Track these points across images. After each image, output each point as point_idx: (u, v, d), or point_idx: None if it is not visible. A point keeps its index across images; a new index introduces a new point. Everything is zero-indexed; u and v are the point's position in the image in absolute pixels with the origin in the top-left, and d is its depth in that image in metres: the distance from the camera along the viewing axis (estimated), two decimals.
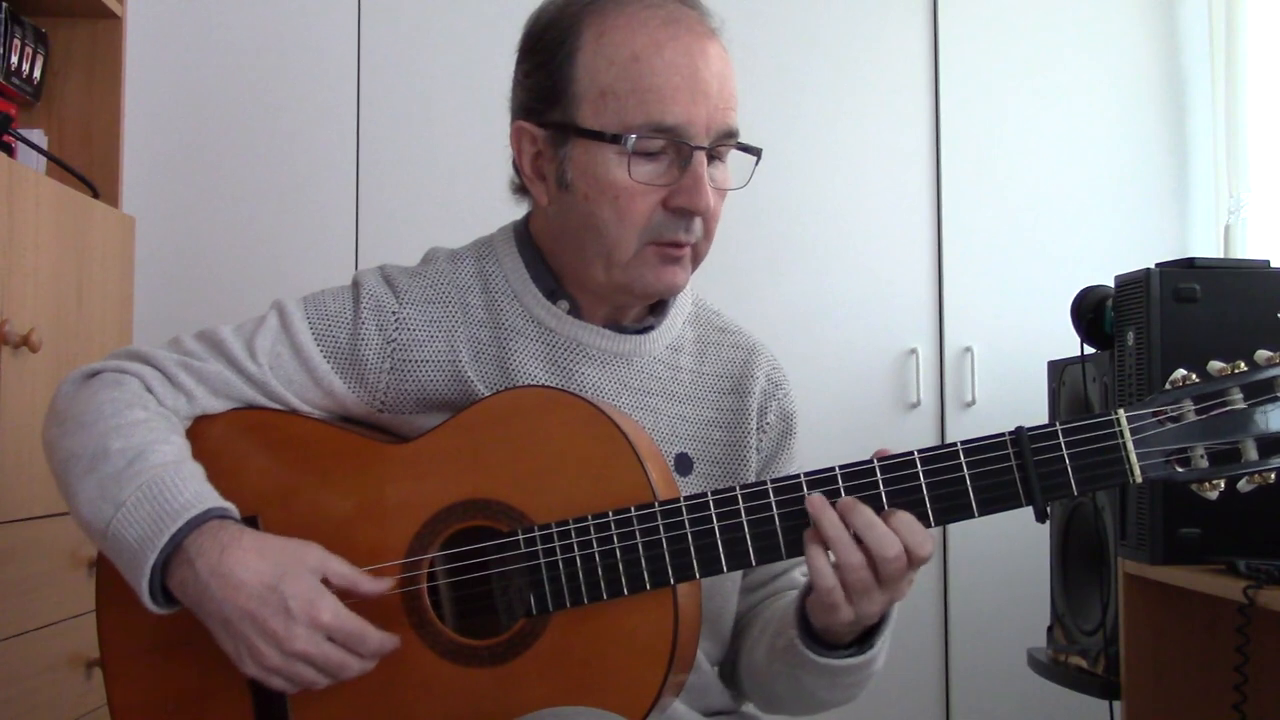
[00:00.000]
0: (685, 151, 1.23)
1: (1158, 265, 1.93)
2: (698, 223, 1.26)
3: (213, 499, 1.20)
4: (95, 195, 2.35)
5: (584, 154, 1.25)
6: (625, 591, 1.16)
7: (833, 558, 1.12)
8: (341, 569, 1.20)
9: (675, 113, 1.22)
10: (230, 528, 1.19)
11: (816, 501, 1.13)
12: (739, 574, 1.36)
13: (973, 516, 1.13)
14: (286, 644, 1.15)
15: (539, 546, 1.18)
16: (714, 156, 1.27)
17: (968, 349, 2.79)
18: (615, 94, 1.23)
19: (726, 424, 1.37)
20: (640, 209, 1.24)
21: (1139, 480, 1.10)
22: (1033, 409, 2.44)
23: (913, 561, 1.12)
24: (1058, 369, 2.37)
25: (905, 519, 1.12)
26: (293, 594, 1.15)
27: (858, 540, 1.11)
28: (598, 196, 1.25)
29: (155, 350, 1.32)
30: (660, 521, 1.16)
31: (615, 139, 1.23)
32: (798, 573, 1.37)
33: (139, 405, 1.26)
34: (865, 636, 1.21)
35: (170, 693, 1.27)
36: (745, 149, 1.29)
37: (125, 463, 1.20)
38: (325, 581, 1.19)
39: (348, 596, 1.19)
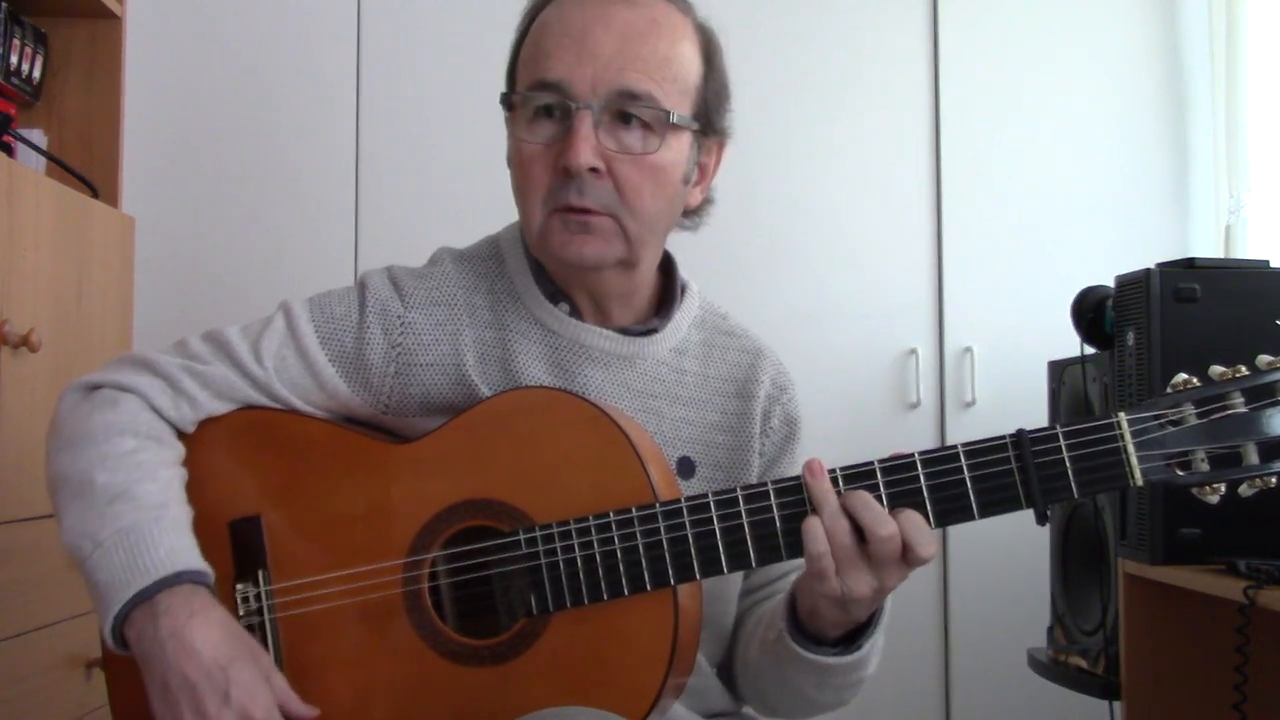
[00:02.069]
0: (568, 110, 1.24)
1: (1158, 265, 1.93)
2: (597, 187, 1.24)
3: (187, 558, 1.20)
4: (95, 195, 2.35)
5: (508, 127, 1.30)
6: (626, 592, 1.16)
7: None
8: (281, 685, 1.19)
9: (554, 69, 1.24)
10: (202, 595, 1.19)
11: (814, 467, 1.14)
12: (741, 578, 1.37)
13: (973, 519, 1.13)
14: None
15: (540, 547, 1.18)
16: (623, 121, 1.25)
17: (968, 349, 2.79)
18: (523, 62, 1.29)
19: (730, 427, 1.37)
20: (537, 174, 1.26)
21: (1139, 483, 1.10)
22: (1033, 409, 2.44)
23: (909, 557, 1.12)
24: (1058, 369, 2.37)
25: (911, 515, 1.12)
26: (237, 681, 1.15)
27: (851, 518, 1.12)
28: (513, 166, 1.30)
29: (160, 356, 1.31)
30: (661, 523, 1.16)
31: (510, 103, 1.28)
32: (797, 575, 1.37)
33: (130, 431, 1.25)
34: (854, 637, 1.21)
35: None
36: (639, 110, 1.24)
37: (107, 500, 1.20)
38: None
39: (302, 677, 1.20)
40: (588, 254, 1.26)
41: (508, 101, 1.29)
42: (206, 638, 1.16)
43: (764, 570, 1.36)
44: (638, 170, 1.25)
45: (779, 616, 1.22)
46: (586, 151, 1.22)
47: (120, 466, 1.22)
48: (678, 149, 1.28)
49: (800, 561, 1.16)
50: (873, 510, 1.12)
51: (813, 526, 1.13)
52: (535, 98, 1.25)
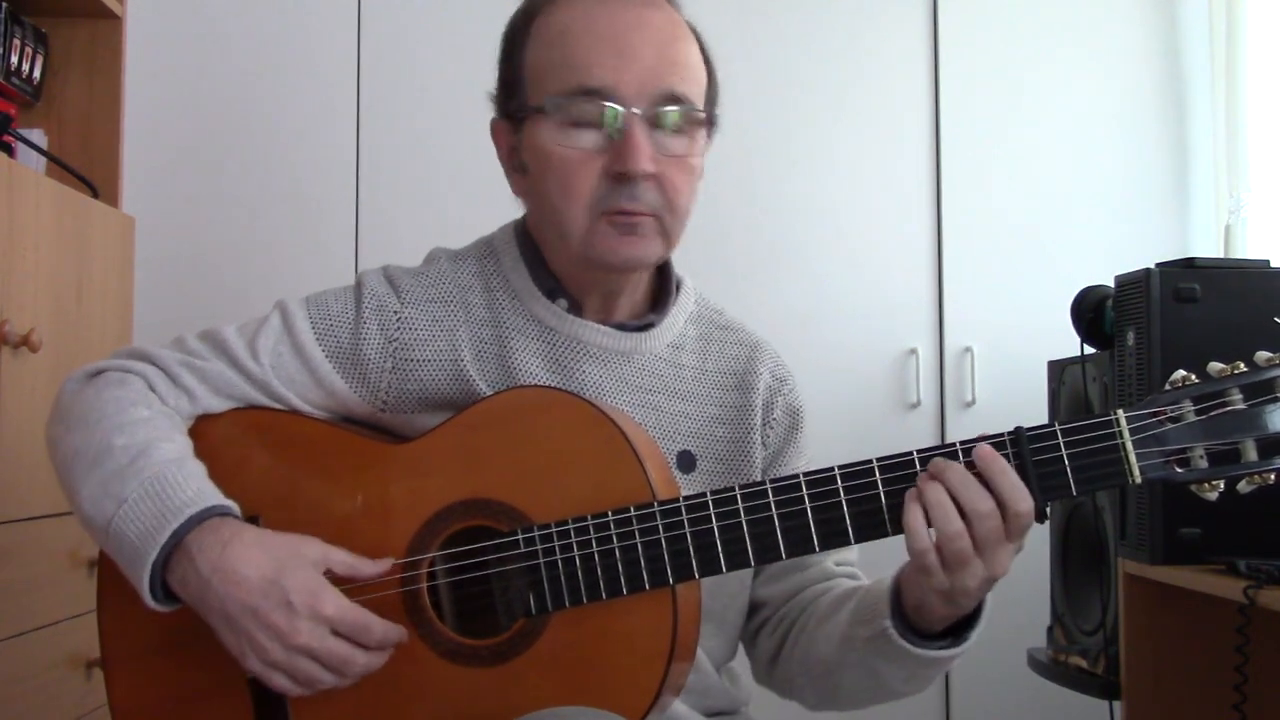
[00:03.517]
0: (615, 116, 1.24)
1: (1158, 265, 1.93)
2: (647, 189, 1.26)
3: (214, 496, 1.20)
4: (95, 195, 2.35)
5: (530, 134, 1.29)
6: (624, 591, 1.16)
7: (933, 535, 1.10)
8: (344, 558, 1.20)
9: (599, 76, 1.24)
10: (231, 524, 1.19)
11: (935, 467, 1.11)
12: (748, 571, 1.36)
13: None
14: (289, 638, 1.14)
15: (538, 546, 1.18)
16: (662, 125, 1.26)
17: (968, 349, 2.79)
18: (549, 68, 1.27)
19: (730, 420, 1.37)
20: (582, 179, 1.25)
21: (1138, 481, 1.10)
22: (1033, 409, 2.44)
23: (1009, 520, 1.09)
24: (1058, 369, 2.37)
25: (1000, 474, 1.09)
26: (294, 588, 1.15)
27: (954, 501, 1.10)
28: (543, 171, 1.28)
29: (158, 349, 1.32)
30: (659, 521, 1.16)
31: (542, 109, 1.26)
32: (829, 562, 1.37)
33: (142, 403, 1.26)
34: (958, 629, 1.20)
35: (170, 693, 1.27)
36: (688, 112, 1.27)
37: (128, 460, 1.20)
38: (328, 573, 1.19)
39: (352, 583, 1.19)
40: (638, 254, 1.28)
41: (533, 109, 1.28)
42: (248, 560, 1.16)
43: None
44: (680, 171, 1.27)
45: (879, 614, 1.20)
46: (646, 157, 1.24)
47: (138, 431, 1.23)
48: (702, 147, 1.31)
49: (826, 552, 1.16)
50: (971, 490, 1.09)
51: (916, 519, 1.10)
52: (576, 104, 1.25)
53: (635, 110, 1.24)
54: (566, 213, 1.27)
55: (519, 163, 1.33)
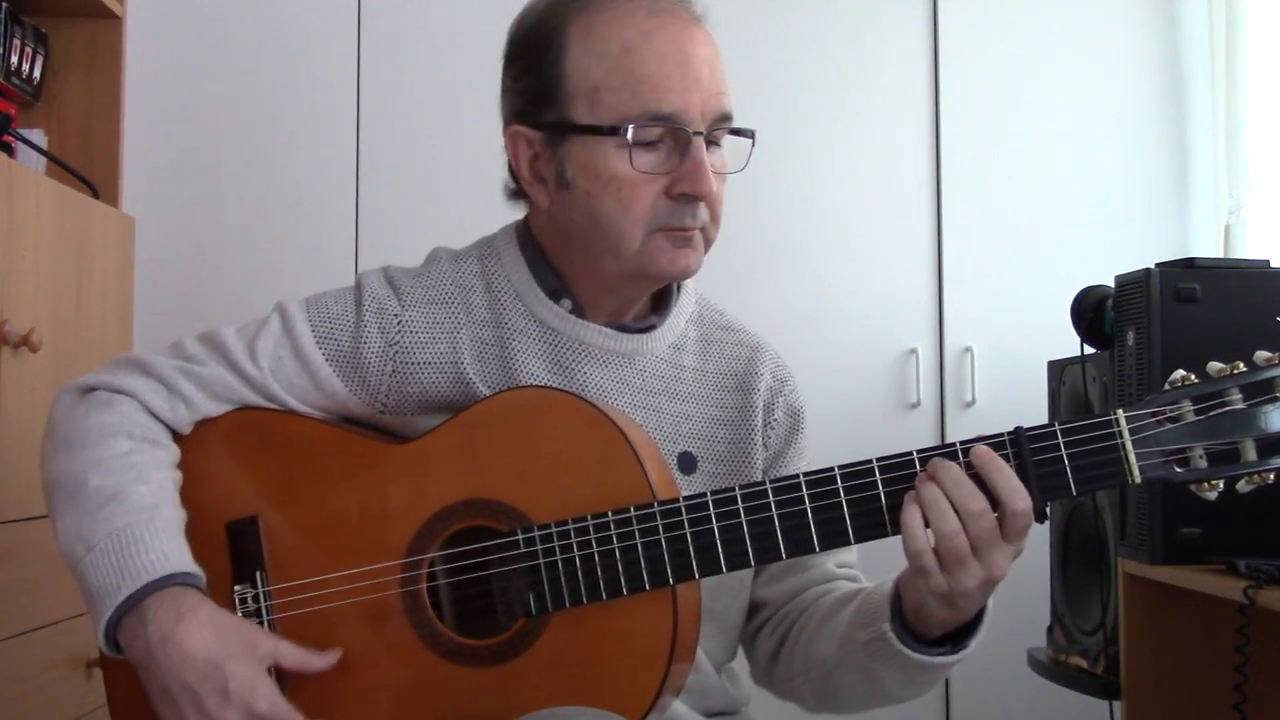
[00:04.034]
0: (684, 138, 1.24)
1: (1158, 265, 1.93)
2: (703, 208, 1.27)
3: (177, 560, 1.20)
4: (95, 195, 2.35)
5: (582, 151, 1.26)
6: (624, 592, 1.16)
7: (931, 539, 1.10)
8: (294, 652, 1.20)
9: (670, 100, 1.23)
10: (190, 596, 1.19)
11: (931, 467, 1.11)
12: (745, 572, 1.36)
13: None
14: None
15: (539, 546, 1.18)
16: (711, 141, 1.27)
17: (968, 349, 2.79)
18: (609, 87, 1.25)
19: (731, 421, 1.37)
20: (643, 199, 1.25)
21: (1138, 481, 1.10)
22: (1033, 409, 2.44)
23: (1007, 519, 1.09)
24: (1058, 369, 2.37)
25: (996, 470, 1.10)
26: (235, 675, 1.15)
27: (948, 499, 1.09)
28: (600, 191, 1.26)
29: (155, 357, 1.32)
30: (659, 522, 1.16)
31: (614, 131, 1.24)
32: (831, 563, 1.37)
33: (124, 433, 1.26)
34: (957, 635, 1.20)
35: None
36: (740, 133, 1.30)
37: (100, 502, 1.20)
38: (277, 667, 1.19)
39: (302, 676, 1.20)
40: (693, 265, 1.30)
41: (588, 128, 1.25)
42: (198, 639, 1.16)
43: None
44: (721, 185, 1.29)
45: (879, 617, 1.20)
46: (712, 180, 1.25)
47: (114, 469, 1.22)
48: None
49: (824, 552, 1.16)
50: (963, 487, 1.10)
51: (913, 520, 1.10)
52: (650, 131, 1.24)
53: (700, 132, 1.25)
54: (625, 230, 1.26)
55: (557, 176, 1.29)
